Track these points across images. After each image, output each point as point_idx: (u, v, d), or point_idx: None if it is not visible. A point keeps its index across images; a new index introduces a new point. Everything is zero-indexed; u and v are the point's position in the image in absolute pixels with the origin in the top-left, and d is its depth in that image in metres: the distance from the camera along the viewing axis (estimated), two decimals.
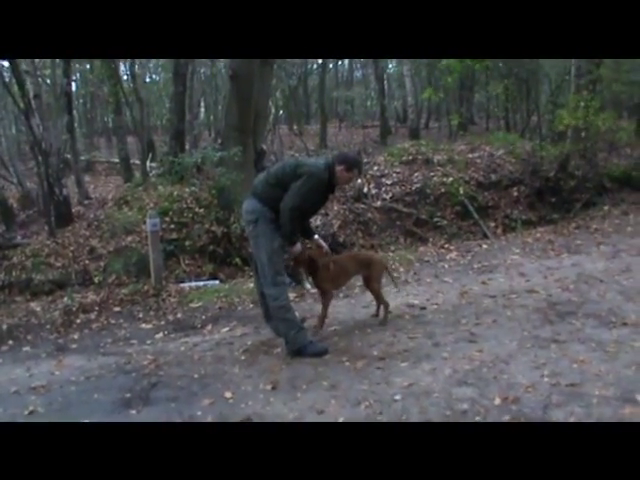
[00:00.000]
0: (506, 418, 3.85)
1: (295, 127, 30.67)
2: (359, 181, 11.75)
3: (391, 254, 9.56)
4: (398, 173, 12.79)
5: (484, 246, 9.74)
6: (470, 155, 13.62)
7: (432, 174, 12.54)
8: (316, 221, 10.52)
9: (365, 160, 14.19)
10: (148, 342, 6.33)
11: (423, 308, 6.48)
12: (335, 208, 11.38)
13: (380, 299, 6.13)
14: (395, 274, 8.14)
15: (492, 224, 11.64)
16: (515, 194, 12.32)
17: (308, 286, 5.74)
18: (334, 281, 5.87)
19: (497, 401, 4.11)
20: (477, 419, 3.88)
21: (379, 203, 11.83)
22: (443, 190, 11.98)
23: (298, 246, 5.47)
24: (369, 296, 6.87)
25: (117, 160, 19.24)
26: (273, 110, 21.12)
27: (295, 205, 5.16)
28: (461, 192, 11.84)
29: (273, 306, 5.36)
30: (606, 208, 11.92)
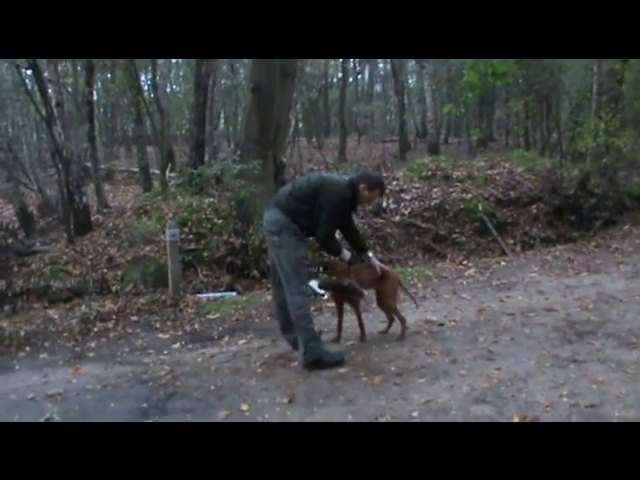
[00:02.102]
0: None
1: (314, 140, 30.74)
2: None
3: (409, 269, 9.54)
4: (417, 188, 12.78)
5: (502, 263, 9.71)
6: (489, 171, 13.58)
7: (451, 190, 12.51)
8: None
9: (384, 175, 14.19)
10: (165, 352, 6.35)
11: (441, 325, 6.47)
12: (355, 222, 11.38)
13: (397, 315, 6.12)
14: (413, 290, 8.13)
15: (511, 241, 11.58)
16: (534, 211, 12.27)
17: (366, 293, 5.81)
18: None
19: (515, 420, 4.08)
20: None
21: (398, 218, 11.82)
22: (462, 206, 11.95)
23: (346, 253, 5.67)
24: None
25: (136, 169, 19.33)
26: (293, 123, 21.19)
27: (327, 233, 5.41)
28: (480, 208, 11.81)
29: (296, 315, 5.38)
30: (626, 227, 11.84)
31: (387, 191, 12.42)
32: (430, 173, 13.37)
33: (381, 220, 11.71)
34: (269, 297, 7.60)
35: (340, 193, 5.36)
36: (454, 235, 11.43)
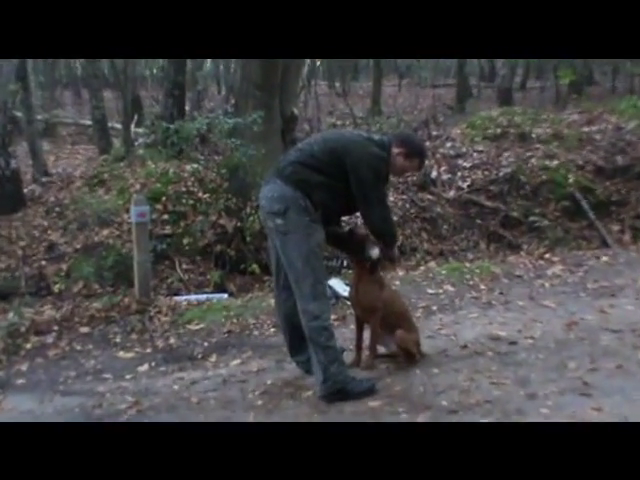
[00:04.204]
0: None
1: (338, 85, 30.72)
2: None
3: (468, 265, 9.49)
4: (481, 152, 12.78)
5: (603, 258, 9.62)
6: (586, 129, 13.53)
7: (529, 155, 12.49)
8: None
9: (434, 133, 14.15)
10: (128, 377, 6.36)
11: (513, 343, 6.42)
12: (391, 199, 11.35)
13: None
14: (473, 292, 8.13)
15: (616, 228, 11.53)
16: None
17: (377, 251, 5.74)
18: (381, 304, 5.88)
19: None
20: None
21: (453, 194, 11.82)
22: (544, 178, 11.91)
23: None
24: (434, 323, 6.90)
25: (89, 122, 19.38)
26: (308, 61, 21.02)
27: (385, 213, 5.52)
28: (571, 181, 11.76)
29: (311, 327, 5.28)
30: None
31: (438, 156, 12.41)
32: (499, 131, 13.35)
33: (429, 196, 11.72)
34: (273, 300, 7.59)
35: (375, 153, 5.30)
36: (532, 218, 11.41)
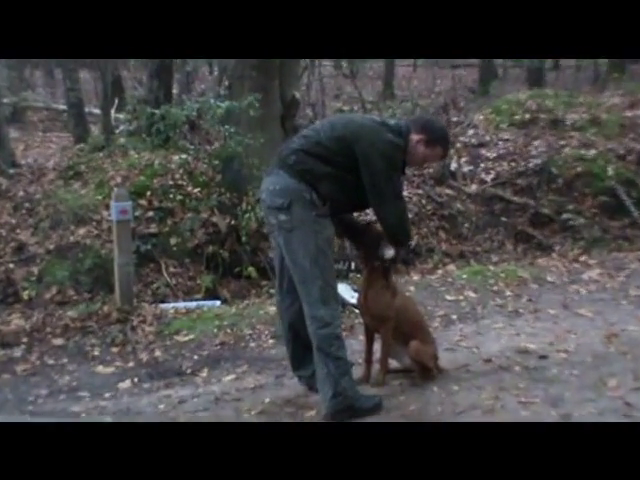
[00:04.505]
0: None
1: (345, 65, 30.73)
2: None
3: (492, 268, 9.49)
4: (507, 141, 12.77)
5: None
6: (629, 113, 13.52)
7: (563, 143, 12.47)
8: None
9: (454, 119, 14.13)
10: (107, 395, 6.36)
11: (543, 357, 6.42)
12: (405, 194, 11.32)
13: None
14: (498, 299, 8.11)
15: None
16: None
17: (392, 251, 5.70)
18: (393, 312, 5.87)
19: None
20: None
21: (474, 188, 11.81)
22: (580, 169, 11.89)
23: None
24: (454, 334, 6.94)
25: (63, 107, 19.36)
26: None
27: (400, 210, 5.49)
28: (610, 173, 11.74)
29: (322, 335, 5.25)
30: None
31: (459, 145, 12.39)
32: (528, 117, 13.35)
33: (448, 191, 11.71)
34: (272, 308, 7.58)
35: (389, 140, 5.26)
36: (566, 215, 11.39)
